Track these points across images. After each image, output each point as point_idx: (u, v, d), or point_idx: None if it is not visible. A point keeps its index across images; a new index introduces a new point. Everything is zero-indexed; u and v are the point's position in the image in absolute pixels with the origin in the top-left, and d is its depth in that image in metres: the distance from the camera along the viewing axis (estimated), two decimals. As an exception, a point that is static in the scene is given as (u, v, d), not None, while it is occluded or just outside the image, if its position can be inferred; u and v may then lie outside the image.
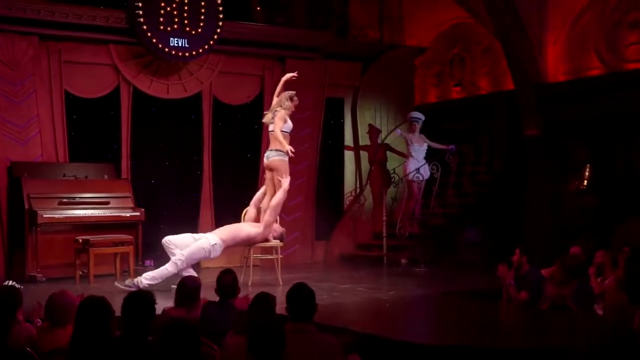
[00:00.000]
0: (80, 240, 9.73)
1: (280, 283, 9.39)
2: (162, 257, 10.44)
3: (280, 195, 9.44)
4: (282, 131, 9.41)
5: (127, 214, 10.45)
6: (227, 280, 6.37)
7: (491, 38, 13.07)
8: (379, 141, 13.12)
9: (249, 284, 9.29)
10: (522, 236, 11.33)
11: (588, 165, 12.03)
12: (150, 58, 11.23)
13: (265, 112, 9.74)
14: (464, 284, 9.52)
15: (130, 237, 10.05)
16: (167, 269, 9.00)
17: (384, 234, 12.03)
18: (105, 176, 10.83)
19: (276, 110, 9.45)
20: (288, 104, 9.48)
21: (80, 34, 10.78)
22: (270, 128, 9.51)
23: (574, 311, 7.36)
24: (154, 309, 4.98)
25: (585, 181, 12.17)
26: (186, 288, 6.51)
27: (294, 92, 9.66)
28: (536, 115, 12.31)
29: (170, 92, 11.50)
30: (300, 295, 5.11)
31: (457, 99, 14.21)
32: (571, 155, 12.30)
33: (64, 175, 10.47)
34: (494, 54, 13.39)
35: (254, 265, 10.43)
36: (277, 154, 9.38)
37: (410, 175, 12.32)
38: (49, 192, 10.07)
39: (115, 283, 9.09)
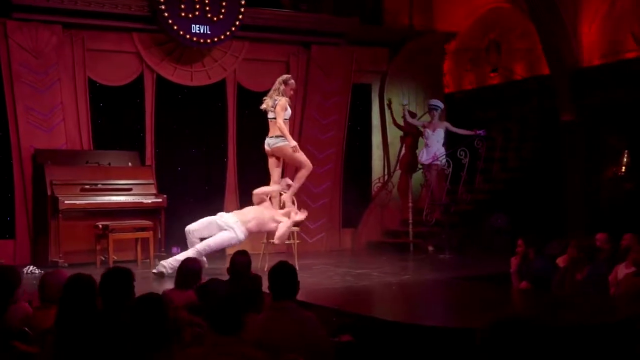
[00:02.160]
0: (100, 226, 9.83)
1: (297, 268, 9.29)
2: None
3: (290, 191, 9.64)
4: (284, 119, 9.38)
5: (149, 200, 10.51)
6: (240, 261, 6.36)
7: (527, 23, 12.85)
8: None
9: (265, 269, 9.24)
10: (558, 223, 11.20)
11: (626, 151, 11.75)
12: (173, 45, 11.27)
13: (264, 98, 9.61)
14: (483, 270, 9.34)
15: (150, 222, 10.11)
16: (188, 254, 8.97)
17: (410, 221, 11.88)
18: (129, 163, 10.92)
19: (276, 99, 9.35)
20: (283, 88, 9.41)
21: (103, 22, 10.87)
22: (271, 115, 9.44)
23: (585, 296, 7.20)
24: (132, 286, 5.00)
25: (624, 167, 11.89)
26: (187, 270, 6.52)
27: (289, 76, 9.65)
28: (571, 100, 12.09)
29: (194, 80, 11.54)
30: (280, 273, 5.10)
31: (492, 85, 14.01)
32: (607, 141, 12.03)
33: (87, 163, 10.57)
34: (529, 39, 13.14)
35: (278, 252, 10.47)
36: (278, 140, 9.41)
37: (425, 161, 12.16)
38: (72, 179, 10.19)
39: (153, 271, 9.11)
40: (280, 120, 9.29)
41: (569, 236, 9.54)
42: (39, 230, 10.34)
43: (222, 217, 9.34)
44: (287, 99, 9.36)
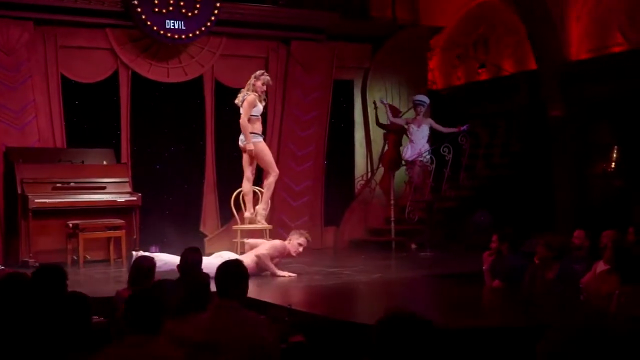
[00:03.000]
0: (71, 225, 9.66)
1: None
2: (167, 243, 10.34)
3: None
4: (251, 115, 9.20)
5: (123, 198, 10.33)
6: (192, 258, 6.20)
7: (515, 17, 12.67)
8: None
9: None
10: (545, 220, 10.98)
11: (615, 147, 11.53)
12: (149, 42, 11.10)
13: (238, 94, 9.42)
14: (461, 268, 9.12)
15: (122, 221, 9.93)
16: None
17: (392, 219, 11.68)
18: (104, 161, 10.74)
19: (247, 94, 9.15)
20: (253, 82, 9.26)
21: (76, 18, 10.69)
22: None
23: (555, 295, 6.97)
24: (63, 285, 4.85)
25: (613, 163, 11.68)
26: (140, 267, 6.35)
27: (262, 71, 9.48)
28: (559, 95, 11.91)
29: (171, 76, 11.35)
30: (228, 271, 4.95)
31: (479, 81, 13.83)
32: (596, 136, 11.82)
33: (60, 161, 10.40)
34: (517, 34, 12.95)
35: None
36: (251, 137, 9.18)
37: (408, 158, 11.96)
38: (43, 177, 10.01)
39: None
40: (243, 118, 9.12)
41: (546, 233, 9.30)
42: (10, 230, 10.17)
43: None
44: (256, 94, 9.16)
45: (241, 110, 9.27)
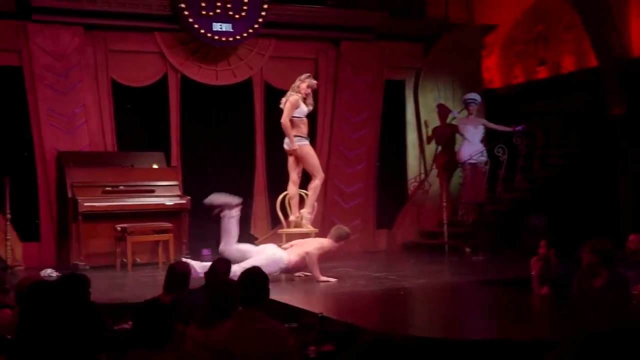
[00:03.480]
0: (119, 229, 9.70)
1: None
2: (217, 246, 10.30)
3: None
4: (294, 117, 9.08)
5: (171, 202, 10.34)
6: (221, 269, 6.15)
7: (575, 14, 12.29)
8: (447, 121, 12.49)
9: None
10: (607, 223, 10.61)
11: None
12: (197, 44, 11.10)
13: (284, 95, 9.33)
14: (512, 273, 8.83)
15: (170, 225, 9.94)
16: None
17: (445, 221, 11.44)
18: (155, 165, 10.78)
19: (290, 94, 9.06)
20: (297, 84, 9.16)
21: (125, 23, 10.77)
22: None
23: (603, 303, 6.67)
24: (86, 292, 4.83)
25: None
26: (175, 274, 6.31)
27: (308, 74, 9.33)
28: (620, 93, 11.50)
29: (220, 79, 11.34)
30: (250, 280, 4.90)
31: (538, 79, 13.48)
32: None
33: (110, 164, 10.48)
34: (578, 30, 12.57)
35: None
36: (296, 141, 9.09)
37: (466, 159, 11.70)
38: (93, 181, 10.09)
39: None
40: (284, 118, 9.03)
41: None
42: (62, 233, 10.29)
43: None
44: (300, 95, 9.04)
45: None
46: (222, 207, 8.48)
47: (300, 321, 6.31)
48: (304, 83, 9.21)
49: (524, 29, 14.19)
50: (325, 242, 8.42)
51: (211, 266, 6.04)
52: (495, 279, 8.36)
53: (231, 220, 8.44)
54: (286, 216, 9.45)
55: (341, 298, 7.19)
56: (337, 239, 8.47)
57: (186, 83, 11.19)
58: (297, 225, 9.27)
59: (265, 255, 8.19)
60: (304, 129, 9.22)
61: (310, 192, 9.37)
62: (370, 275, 8.84)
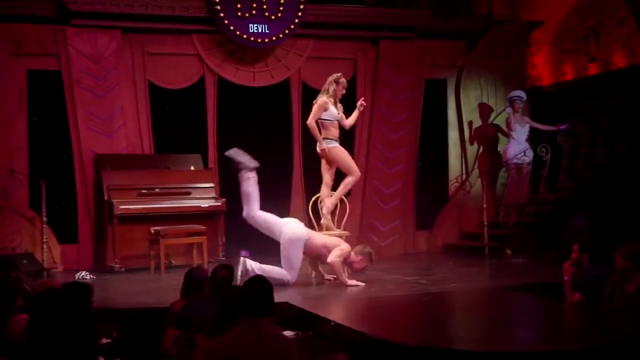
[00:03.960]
0: (153, 231, 9.74)
1: (346, 274, 8.89)
2: (258, 247, 10.26)
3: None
4: (324, 119, 8.96)
5: (207, 204, 10.36)
6: (221, 275, 6.08)
7: (625, 8, 11.96)
8: (489, 121, 12.25)
9: (313, 275, 8.93)
10: None
11: None
12: (234, 46, 11.08)
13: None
14: (548, 277, 8.60)
15: (204, 227, 9.94)
16: (280, 274, 8.28)
17: (485, 223, 11.22)
18: (192, 167, 10.82)
19: (320, 97, 8.97)
20: (333, 87, 8.96)
21: (162, 25, 10.81)
22: None
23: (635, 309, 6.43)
24: (88, 301, 4.85)
25: None
26: (192, 279, 6.29)
27: (340, 74, 9.11)
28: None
29: (257, 80, 11.31)
30: (253, 289, 4.84)
31: (586, 77, 13.14)
32: None
33: (146, 167, 10.54)
34: (629, 25, 12.22)
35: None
36: (325, 143, 8.95)
37: (512, 159, 11.44)
38: (129, 184, 10.16)
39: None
40: (310, 120, 8.96)
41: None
42: (99, 235, 10.39)
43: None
44: (330, 98, 8.90)
45: None
46: (241, 165, 8.66)
47: (317, 329, 6.23)
48: (340, 85, 9.03)
49: (573, 24, 13.86)
50: (345, 249, 8.33)
51: (212, 272, 5.98)
52: (528, 282, 8.14)
53: (249, 182, 8.59)
54: (318, 219, 9.36)
55: (360, 305, 7.08)
56: (358, 253, 8.37)
57: (223, 85, 11.19)
58: (328, 228, 9.18)
59: (290, 226, 8.45)
60: (334, 131, 9.06)
61: (341, 186, 9.22)
62: (401, 279, 8.71)
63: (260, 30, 10.77)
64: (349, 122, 9.33)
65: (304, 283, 8.54)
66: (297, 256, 8.38)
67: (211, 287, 5.97)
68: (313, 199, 9.52)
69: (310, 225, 9.46)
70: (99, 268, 10.17)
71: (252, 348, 4.56)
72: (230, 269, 6.09)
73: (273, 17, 10.80)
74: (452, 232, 12.05)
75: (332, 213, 9.37)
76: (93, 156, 10.46)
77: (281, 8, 10.81)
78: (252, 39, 10.78)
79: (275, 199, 11.45)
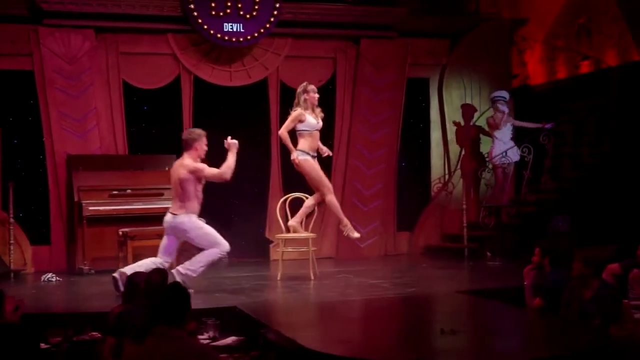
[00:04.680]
0: (120, 233, 9.64)
1: (312, 277, 8.79)
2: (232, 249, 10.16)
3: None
4: (301, 130, 8.69)
5: (178, 205, 10.22)
6: (155, 280, 5.96)
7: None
8: (471, 123, 12.06)
9: (278, 277, 8.82)
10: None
11: None
12: (210, 45, 10.96)
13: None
14: (517, 281, 8.42)
15: (173, 228, 9.81)
16: (213, 255, 8.06)
17: (464, 224, 11.04)
18: (166, 167, 10.69)
19: (294, 110, 8.68)
20: (303, 97, 8.68)
21: (136, 25, 10.71)
22: None
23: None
24: None
25: None
26: (133, 284, 6.17)
27: (305, 83, 8.80)
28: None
29: (234, 80, 11.18)
30: (168, 299, 4.71)
31: (575, 75, 12.91)
32: None
33: (120, 168, 10.44)
34: (622, 23, 11.99)
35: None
36: (299, 154, 8.68)
37: (496, 159, 11.26)
38: (100, 185, 10.09)
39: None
40: (282, 130, 8.70)
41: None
42: (72, 237, 10.31)
43: None
44: (303, 108, 8.65)
45: None
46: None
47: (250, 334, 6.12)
48: (310, 92, 8.72)
49: (566, 22, 13.65)
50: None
51: (146, 277, 5.85)
52: (494, 287, 7.96)
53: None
54: (286, 220, 9.23)
55: (308, 310, 6.94)
56: None
57: (199, 84, 11.08)
58: (295, 230, 9.01)
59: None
60: (312, 143, 8.71)
61: (333, 208, 8.94)
62: (366, 282, 8.57)
63: (235, 29, 10.65)
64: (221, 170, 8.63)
65: (263, 286, 8.46)
66: (206, 229, 8.10)
67: (145, 292, 5.85)
68: (281, 200, 9.38)
69: (279, 227, 9.36)
70: (71, 270, 10.10)
71: (168, 357, 4.44)
72: (164, 273, 5.97)
73: (248, 16, 10.68)
74: (433, 233, 11.88)
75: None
76: (66, 157, 10.37)
77: (256, 7, 10.68)
78: (226, 38, 10.65)
79: (253, 200, 11.39)
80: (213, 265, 8.23)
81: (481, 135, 11.97)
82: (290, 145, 8.70)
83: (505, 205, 11.27)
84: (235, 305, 6.88)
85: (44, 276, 9.34)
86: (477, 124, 12.06)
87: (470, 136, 12.00)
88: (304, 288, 8.20)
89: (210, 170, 8.17)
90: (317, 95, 8.82)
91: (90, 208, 9.81)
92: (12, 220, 9.78)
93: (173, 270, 7.89)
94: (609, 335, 5.74)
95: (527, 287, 7.33)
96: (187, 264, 8.04)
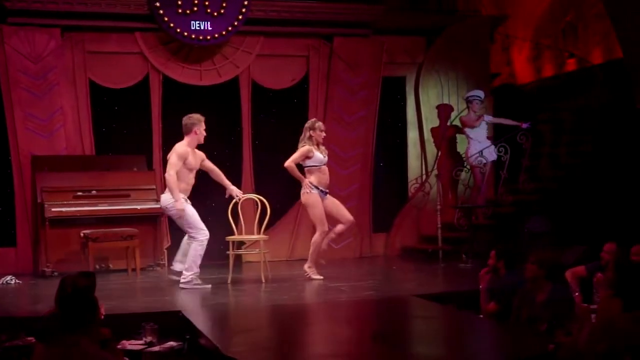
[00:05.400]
0: (82, 235, 9.49)
1: (263, 281, 8.62)
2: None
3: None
4: (310, 166, 8.87)
5: (146, 206, 10.08)
6: (81, 284, 5.78)
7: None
8: (448, 123, 11.83)
9: (228, 281, 8.65)
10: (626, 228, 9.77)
11: None
12: (179, 44, 10.77)
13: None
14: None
15: (135, 230, 9.66)
16: (195, 248, 8.50)
17: (439, 225, 10.81)
18: (135, 168, 10.54)
19: (301, 145, 8.88)
20: (309, 134, 8.85)
21: (103, 23, 10.53)
22: None
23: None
24: None
25: None
26: (62, 287, 6.00)
27: (314, 120, 9.09)
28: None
29: (204, 79, 10.99)
30: (70, 305, 4.55)
31: (563, 73, 12.72)
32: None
33: (85, 168, 10.27)
34: (607, 20, 11.72)
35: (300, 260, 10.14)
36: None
37: (472, 159, 11.04)
38: (65, 186, 9.92)
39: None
40: (288, 162, 8.88)
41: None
42: (37, 239, 10.15)
43: None
44: (310, 144, 8.81)
45: None
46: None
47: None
48: (317, 129, 8.88)
49: (552, 19, 13.46)
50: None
51: (72, 281, 5.65)
52: (455, 290, 7.75)
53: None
54: (237, 222, 9.09)
55: (252, 315, 6.75)
56: None
57: (169, 84, 10.89)
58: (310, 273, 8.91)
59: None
60: (320, 178, 8.90)
61: (311, 246, 8.98)
62: (325, 285, 8.36)
63: (202, 28, 10.47)
64: (218, 176, 9.13)
65: (216, 289, 8.30)
66: (190, 215, 8.43)
67: (57, 296, 5.68)
68: (232, 202, 9.16)
69: (229, 229, 9.17)
70: (35, 272, 9.95)
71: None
72: (90, 277, 5.77)
73: (215, 14, 10.49)
74: (410, 234, 11.66)
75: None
76: (31, 157, 10.21)
77: (224, 4, 10.49)
78: (193, 36, 10.47)
79: (225, 201, 11.16)
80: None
81: (457, 135, 11.73)
82: (300, 175, 8.90)
83: (481, 205, 11.04)
84: (179, 310, 6.69)
85: (3, 279, 9.18)
86: (454, 123, 11.79)
87: (447, 136, 11.76)
88: (254, 292, 8.01)
89: (171, 162, 8.56)
90: (324, 134, 9.00)
91: (53, 209, 9.64)
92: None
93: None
94: (553, 341, 5.51)
95: (482, 290, 7.11)
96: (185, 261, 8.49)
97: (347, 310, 6.86)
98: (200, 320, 6.11)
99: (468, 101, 11.34)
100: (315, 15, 11.20)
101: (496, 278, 7.04)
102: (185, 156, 8.51)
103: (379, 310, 6.95)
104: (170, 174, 8.38)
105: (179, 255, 8.80)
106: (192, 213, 8.44)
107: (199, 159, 8.77)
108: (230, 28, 10.58)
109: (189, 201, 8.57)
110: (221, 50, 10.97)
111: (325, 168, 8.94)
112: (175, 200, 8.32)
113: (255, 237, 8.87)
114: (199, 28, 10.46)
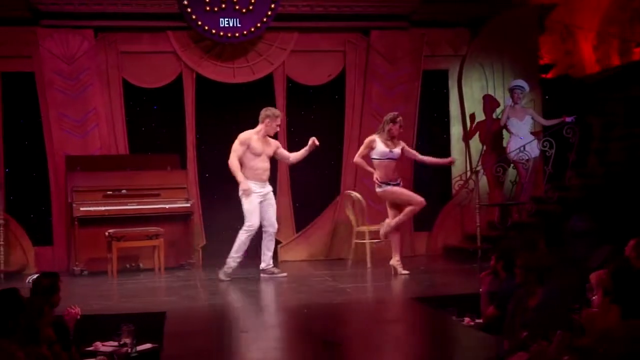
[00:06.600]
0: (107, 234, 9.53)
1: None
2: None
3: None
4: (373, 158, 8.95)
5: (173, 205, 10.06)
6: (44, 284, 5.77)
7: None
8: (494, 116, 11.34)
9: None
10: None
11: None
12: (212, 42, 10.70)
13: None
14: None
15: (160, 229, 9.65)
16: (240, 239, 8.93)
17: (478, 224, 10.36)
18: (168, 167, 10.53)
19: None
20: (388, 127, 8.95)
21: (135, 23, 10.57)
22: None
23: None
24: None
25: None
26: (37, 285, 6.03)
27: (396, 114, 9.07)
28: None
29: (237, 76, 10.89)
30: None
31: (614, 66, 12.02)
32: None
33: (117, 168, 10.33)
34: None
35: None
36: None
37: (513, 154, 10.54)
38: (95, 185, 10.00)
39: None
40: (355, 157, 9.20)
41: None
42: (69, 238, 10.27)
43: None
44: (380, 136, 8.96)
45: None
46: None
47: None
48: (397, 124, 8.94)
49: (619, 6, 12.76)
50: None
51: (35, 280, 5.67)
52: (460, 294, 7.37)
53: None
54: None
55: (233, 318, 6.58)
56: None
57: (202, 82, 10.84)
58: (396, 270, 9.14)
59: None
60: (384, 172, 8.98)
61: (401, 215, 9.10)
62: (335, 286, 8.12)
63: (231, 25, 10.38)
64: (294, 157, 9.38)
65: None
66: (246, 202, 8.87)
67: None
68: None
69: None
70: (69, 271, 10.07)
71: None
72: (53, 277, 5.76)
73: (244, 11, 10.38)
74: (453, 233, 11.24)
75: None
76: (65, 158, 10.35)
77: (252, 1, 10.36)
78: (222, 33, 10.39)
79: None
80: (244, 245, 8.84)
81: (504, 130, 11.22)
82: (368, 168, 9.10)
83: (523, 202, 10.52)
84: (165, 311, 6.59)
85: (29, 277, 9.28)
86: (499, 117, 11.29)
87: (492, 131, 11.27)
88: (275, 290, 7.86)
89: (232, 148, 9.03)
90: (401, 130, 9.09)
91: (81, 209, 9.73)
92: (1, 221, 9.80)
93: None
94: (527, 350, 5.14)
95: (482, 293, 6.74)
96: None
97: (331, 313, 6.60)
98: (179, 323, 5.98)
99: (510, 92, 10.84)
100: (349, 9, 10.92)
101: (496, 281, 6.66)
102: (248, 142, 8.89)
103: (357, 315, 6.65)
104: (230, 158, 8.86)
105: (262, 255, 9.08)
106: (248, 201, 8.81)
107: (271, 146, 9.16)
108: (259, 24, 10.45)
109: (265, 190, 9.03)
110: (255, 47, 10.85)
111: (389, 162, 8.95)
112: (239, 181, 8.78)
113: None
114: (227, 25, 10.37)
